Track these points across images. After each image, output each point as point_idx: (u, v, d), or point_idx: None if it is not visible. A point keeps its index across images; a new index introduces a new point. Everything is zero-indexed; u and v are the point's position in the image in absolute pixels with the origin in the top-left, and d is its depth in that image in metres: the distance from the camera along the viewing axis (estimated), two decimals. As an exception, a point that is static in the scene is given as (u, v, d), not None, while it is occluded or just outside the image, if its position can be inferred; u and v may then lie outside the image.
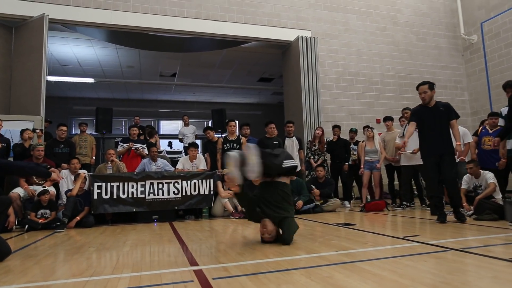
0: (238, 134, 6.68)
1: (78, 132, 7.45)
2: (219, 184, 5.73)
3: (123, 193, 5.23)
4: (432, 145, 4.23)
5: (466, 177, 5.05)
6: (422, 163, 4.48)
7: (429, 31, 10.37)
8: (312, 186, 6.16)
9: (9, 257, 2.82)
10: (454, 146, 4.18)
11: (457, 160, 4.76)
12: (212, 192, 5.62)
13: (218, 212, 5.70)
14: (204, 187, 5.55)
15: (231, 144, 6.34)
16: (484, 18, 9.79)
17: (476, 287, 1.70)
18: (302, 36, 8.83)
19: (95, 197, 5.13)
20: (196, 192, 5.51)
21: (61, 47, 10.11)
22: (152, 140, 7.23)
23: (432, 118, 4.26)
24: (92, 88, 13.52)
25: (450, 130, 4.26)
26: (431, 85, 4.31)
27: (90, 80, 12.04)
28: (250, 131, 7.09)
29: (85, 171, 5.79)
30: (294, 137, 7.02)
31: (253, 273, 2.13)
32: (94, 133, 9.95)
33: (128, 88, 13.90)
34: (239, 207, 5.50)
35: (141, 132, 7.78)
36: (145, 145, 6.86)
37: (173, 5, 8.37)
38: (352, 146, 7.13)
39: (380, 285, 1.76)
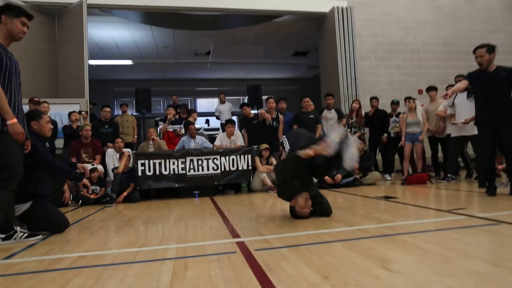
0: (277, 111, 6.62)
1: (120, 112, 7.74)
2: (257, 159, 5.79)
3: (165, 170, 5.45)
4: (491, 112, 3.88)
5: None
6: (473, 133, 4.23)
7: (479, -9, 9.57)
8: None
9: (68, 229, 3.07)
10: None
11: None
12: (250, 167, 5.71)
13: (257, 186, 5.80)
14: (243, 163, 5.65)
15: (272, 122, 6.36)
16: (543, -27, 8.85)
17: (529, 260, 1.63)
18: (338, 6, 8.49)
19: (139, 174, 5.38)
20: (235, 168, 5.63)
21: (100, 31, 10.42)
22: (190, 119, 7.40)
23: (491, 84, 3.91)
24: (131, 69, 13.92)
25: None
26: (490, 48, 3.86)
27: (128, 62, 12.39)
28: (286, 105, 7.03)
29: (129, 150, 6.06)
30: (333, 109, 6.91)
31: (294, 245, 2.17)
32: (134, 113, 10.33)
33: (165, 68, 14.17)
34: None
35: (178, 110, 7.96)
36: (182, 125, 7.04)
37: (205, -18, 8.30)
38: (394, 118, 6.87)
39: (424, 257, 1.74)
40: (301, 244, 2.18)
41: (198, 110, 15.30)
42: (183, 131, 6.91)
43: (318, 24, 9.41)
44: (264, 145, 5.82)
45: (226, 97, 9.64)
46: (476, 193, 4.21)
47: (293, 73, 15.53)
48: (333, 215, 3.07)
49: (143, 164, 5.40)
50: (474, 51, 3.98)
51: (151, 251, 2.23)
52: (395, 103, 7.04)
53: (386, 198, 4.20)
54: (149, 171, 5.41)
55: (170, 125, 7.05)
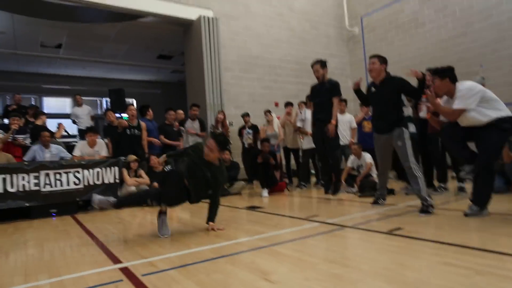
0: (138, 119, 6.43)
1: None
2: (125, 171, 5.53)
3: (12, 187, 4.67)
4: (318, 119, 4.95)
5: (351, 157, 5.92)
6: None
7: (320, 20, 11.31)
8: None
9: None
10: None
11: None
12: (117, 180, 5.41)
13: (124, 199, 5.53)
14: (109, 175, 5.31)
15: (133, 129, 6.15)
16: (364, 13, 11.12)
17: (364, 258, 2.16)
18: (204, 16, 8.77)
19: (-26, 193, 4.48)
20: (100, 181, 5.23)
21: None
22: (39, 122, 6.44)
23: (319, 94, 4.99)
24: None
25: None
26: (322, 63, 5.03)
27: None
28: (153, 112, 6.94)
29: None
30: (197, 120, 7.12)
31: (181, 265, 2.27)
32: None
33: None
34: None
35: (23, 112, 6.86)
36: (28, 135, 6.08)
37: (58, -33, 7.38)
38: (247, 130, 7.41)
39: (295, 266, 2.10)
40: (187, 264, 2.30)
41: (46, 111, 13.40)
42: (28, 141, 5.96)
43: (184, 30, 9.50)
44: (133, 157, 5.61)
45: (82, 98, 8.74)
46: (323, 199, 5.07)
47: (157, 76, 15.15)
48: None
49: (-20, 181, 4.51)
50: (312, 66, 5.07)
51: (18, 293, 1.99)
52: (245, 115, 7.53)
53: (253, 208, 4.62)
54: (-11, 189, 4.54)
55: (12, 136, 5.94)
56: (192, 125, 7.14)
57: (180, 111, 7.55)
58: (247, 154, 7.34)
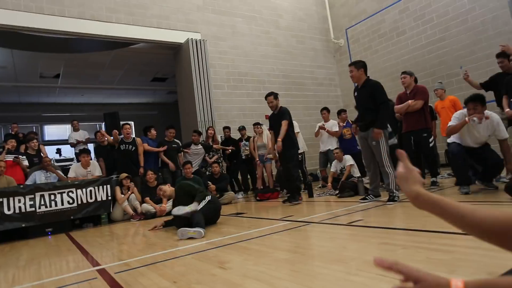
0: (133, 136, 6.74)
1: None
2: (118, 189, 5.79)
3: (9, 209, 4.93)
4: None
5: (334, 162, 6.14)
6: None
7: (306, 34, 11.72)
8: (208, 182, 6.64)
9: None
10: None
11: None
12: (110, 198, 5.66)
13: (118, 216, 5.77)
14: (101, 193, 5.56)
15: (127, 145, 6.42)
16: (348, 25, 11.51)
17: (314, 245, 2.38)
18: (192, 38, 9.17)
19: (-25, 216, 4.74)
20: (93, 199, 5.48)
21: None
22: (32, 145, 6.72)
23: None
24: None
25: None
26: (275, 95, 5.51)
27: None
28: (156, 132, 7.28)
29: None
30: (199, 144, 7.31)
31: (152, 263, 2.50)
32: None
33: (1, 91, 12.37)
34: (139, 210, 5.68)
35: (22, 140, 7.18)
36: (24, 157, 6.36)
37: (51, 2, 7.84)
38: (244, 142, 7.79)
39: (250, 256, 2.32)
40: (157, 261, 2.52)
41: (47, 138, 13.84)
42: (26, 163, 6.26)
43: (174, 53, 9.91)
44: (124, 174, 5.87)
45: (82, 123, 9.12)
46: (305, 203, 5.27)
47: (153, 97, 15.59)
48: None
49: (-22, 205, 4.78)
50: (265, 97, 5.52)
51: (2, 294, 2.22)
52: (241, 129, 7.94)
53: (237, 214, 4.85)
54: (-13, 212, 4.81)
55: (8, 154, 6.21)
56: (196, 149, 7.32)
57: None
58: (246, 164, 7.62)
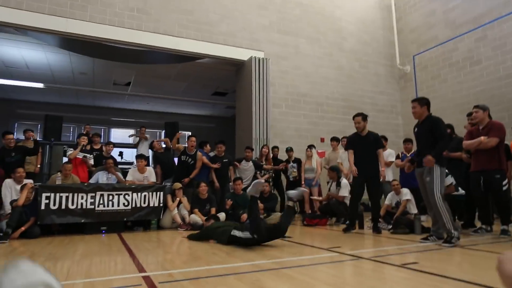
0: (196, 149, 6.91)
1: (23, 138, 7.23)
2: (169, 197, 5.98)
3: (72, 204, 5.31)
4: (362, 167, 4.98)
5: (389, 194, 5.80)
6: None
7: (370, 59, 11.43)
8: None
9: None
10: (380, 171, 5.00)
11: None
12: (161, 205, 5.86)
13: (167, 223, 5.94)
14: (154, 200, 5.78)
15: (187, 157, 6.62)
16: (416, 51, 11.04)
17: (363, 285, 2.21)
18: (255, 56, 9.39)
19: (43, 207, 5.16)
20: (146, 204, 5.72)
21: (8, 49, 9.80)
22: (96, 146, 7.29)
23: (363, 145, 5.05)
24: (40, 91, 13.08)
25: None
26: (364, 116, 5.09)
27: (39, 85, 11.69)
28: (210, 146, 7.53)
29: (31, 181, 5.74)
30: (251, 161, 7.40)
31: (194, 278, 2.50)
32: (41, 140, 9.67)
33: (79, 94, 13.63)
34: (187, 219, 5.81)
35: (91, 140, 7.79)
36: (92, 155, 6.90)
37: (131, 18, 8.54)
38: (292, 164, 7.62)
39: (293, 285, 2.22)
40: (200, 277, 2.52)
41: (113, 140, 14.85)
42: (92, 162, 6.76)
43: (237, 69, 10.20)
44: (178, 185, 6.06)
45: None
46: (354, 234, 5.01)
47: (212, 111, 16.14)
48: (232, 252, 3.47)
49: (48, 197, 5.20)
50: (353, 118, 5.06)
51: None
52: (289, 150, 7.79)
53: (283, 237, 4.71)
54: (54, 205, 5.22)
55: (81, 152, 6.73)
56: (247, 165, 7.40)
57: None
58: (292, 186, 7.49)
